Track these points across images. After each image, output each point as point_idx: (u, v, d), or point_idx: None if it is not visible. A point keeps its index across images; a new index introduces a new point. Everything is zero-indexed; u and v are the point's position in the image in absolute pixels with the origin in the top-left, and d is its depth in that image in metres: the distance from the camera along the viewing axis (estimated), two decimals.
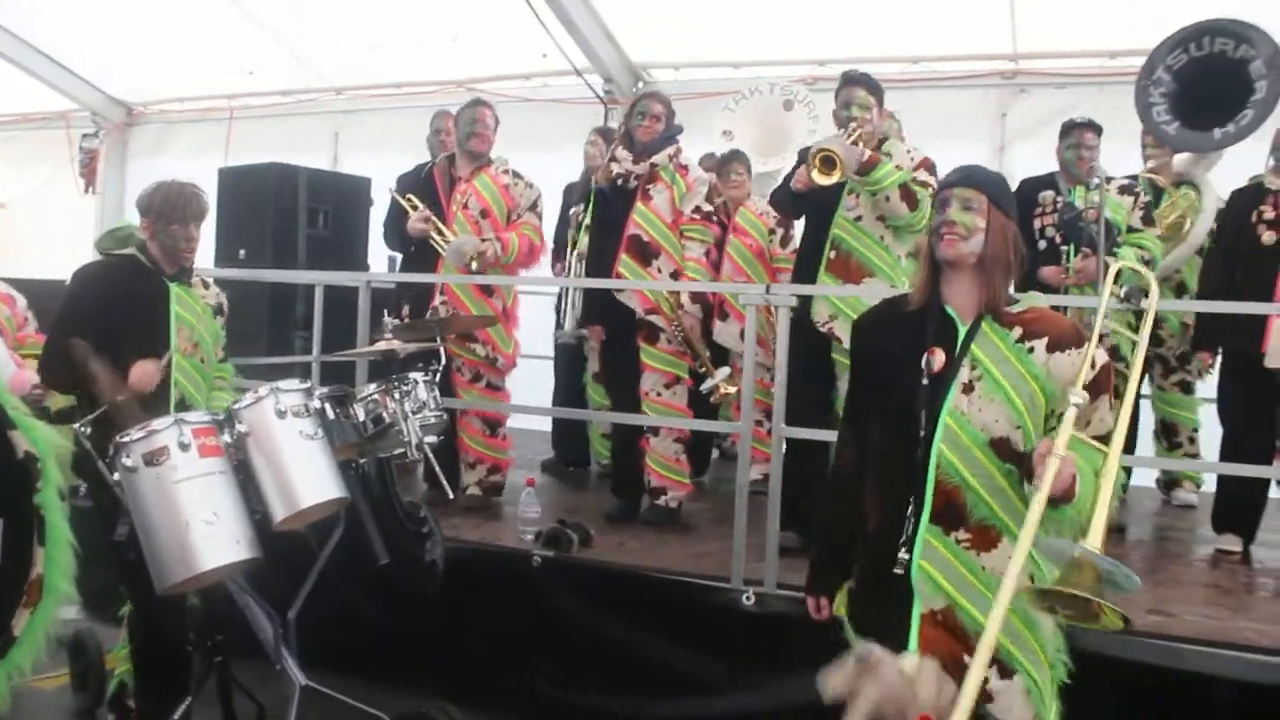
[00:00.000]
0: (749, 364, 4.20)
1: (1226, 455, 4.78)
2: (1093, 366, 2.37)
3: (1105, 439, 2.34)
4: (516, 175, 5.35)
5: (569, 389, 6.42)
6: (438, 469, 3.66)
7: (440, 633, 4.27)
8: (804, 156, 4.53)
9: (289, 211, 6.62)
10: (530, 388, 5.94)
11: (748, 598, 4.02)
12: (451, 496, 4.11)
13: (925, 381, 2.41)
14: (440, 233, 5.19)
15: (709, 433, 6.27)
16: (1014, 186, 4.76)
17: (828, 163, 4.23)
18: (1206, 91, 4.57)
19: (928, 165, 4.45)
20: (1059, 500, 2.20)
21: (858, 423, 2.64)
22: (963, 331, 2.44)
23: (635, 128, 5.18)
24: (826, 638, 3.84)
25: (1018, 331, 2.42)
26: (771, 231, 5.82)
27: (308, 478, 3.18)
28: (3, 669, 2.67)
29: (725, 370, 5.28)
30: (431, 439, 3.64)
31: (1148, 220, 5.06)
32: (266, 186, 6.68)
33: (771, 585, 4.01)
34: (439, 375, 3.86)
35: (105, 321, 3.38)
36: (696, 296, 5.15)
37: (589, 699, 4.15)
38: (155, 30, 8.99)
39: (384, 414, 3.53)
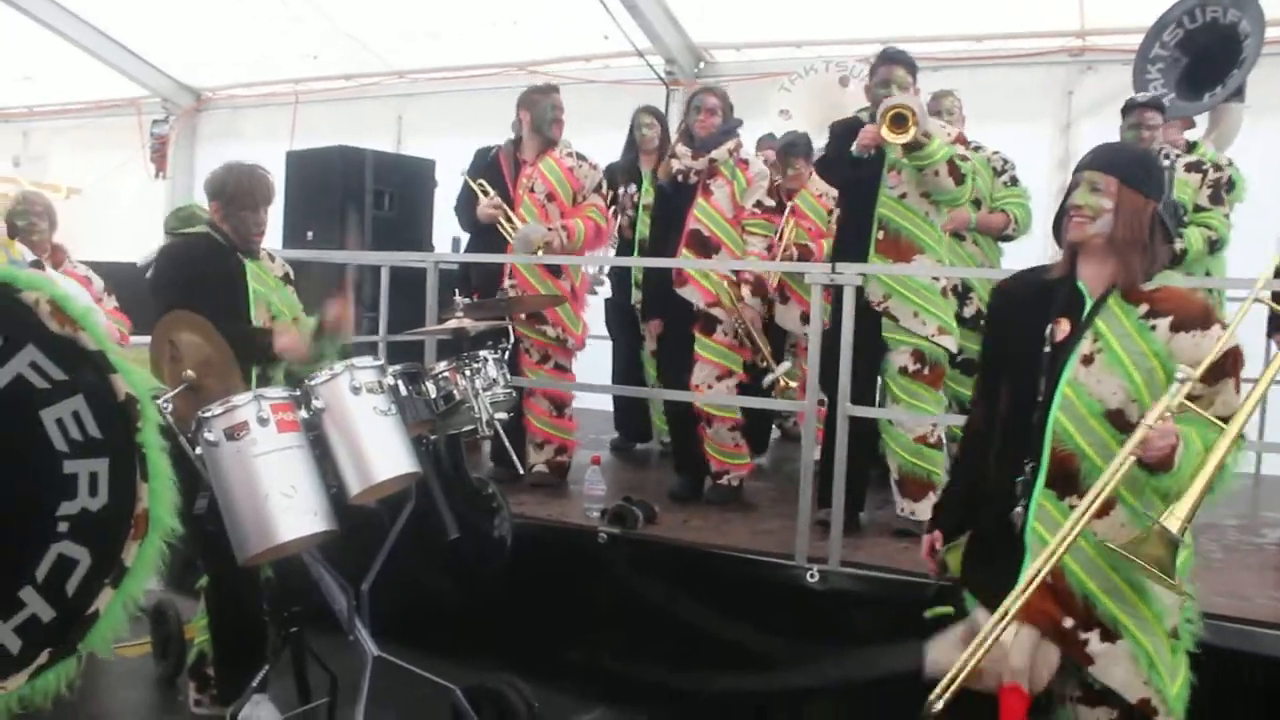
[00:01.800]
0: (815, 343, 4.20)
1: None
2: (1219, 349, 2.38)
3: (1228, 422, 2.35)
4: (580, 157, 5.39)
5: (628, 365, 6.46)
6: (508, 444, 3.71)
7: (508, 607, 4.33)
8: (840, 128, 4.54)
9: (355, 193, 6.72)
10: (591, 367, 5.97)
11: (812, 575, 4.04)
12: (521, 472, 4.17)
13: (1047, 350, 2.47)
14: (509, 219, 5.25)
15: (769, 412, 6.29)
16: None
17: (899, 120, 4.16)
18: (1205, 60, 4.58)
19: (961, 140, 4.46)
20: (1156, 468, 2.27)
21: (988, 383, 2.71)
22: (1089, 305, 2.48)
23: (693, 122, 5.19)
24: (889, 615, 3.90)
25: (1144, 308, 2.44)
26: (830, 213, 5.81)
27: (382, 452, 3.25)
28: (119, 597, 2.81)
29: (786, 364, 5.28)
30: (501, 416, 3.69)
31: (1216, 199, 4.97)
32: (333, 169, 6.79)
33: (835, 562, 4.04)
34: (507, 354, 3.91)
35: (194, 297, 3.48)
36: (756, 290, 5.15)
37: (653, 673, 4.18)
38: (222, 17, 9.14)
39: (455, 391, 3.59)
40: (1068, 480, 2.43)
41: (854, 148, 4.39)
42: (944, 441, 4.65)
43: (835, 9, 7.49)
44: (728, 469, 5.15)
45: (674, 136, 5.49)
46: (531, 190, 5.28)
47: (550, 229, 5.20)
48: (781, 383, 5.19)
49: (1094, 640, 2.39)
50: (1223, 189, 5.06)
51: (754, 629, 4.10)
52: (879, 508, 4.73)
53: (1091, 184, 2.47)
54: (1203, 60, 4.76)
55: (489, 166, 5.45)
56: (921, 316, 4.41)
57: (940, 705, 2.26)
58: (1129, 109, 5.09)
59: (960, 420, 5.52)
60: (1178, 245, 4.74)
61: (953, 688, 2.27)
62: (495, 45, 8.76)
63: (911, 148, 4.26)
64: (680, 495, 5.12)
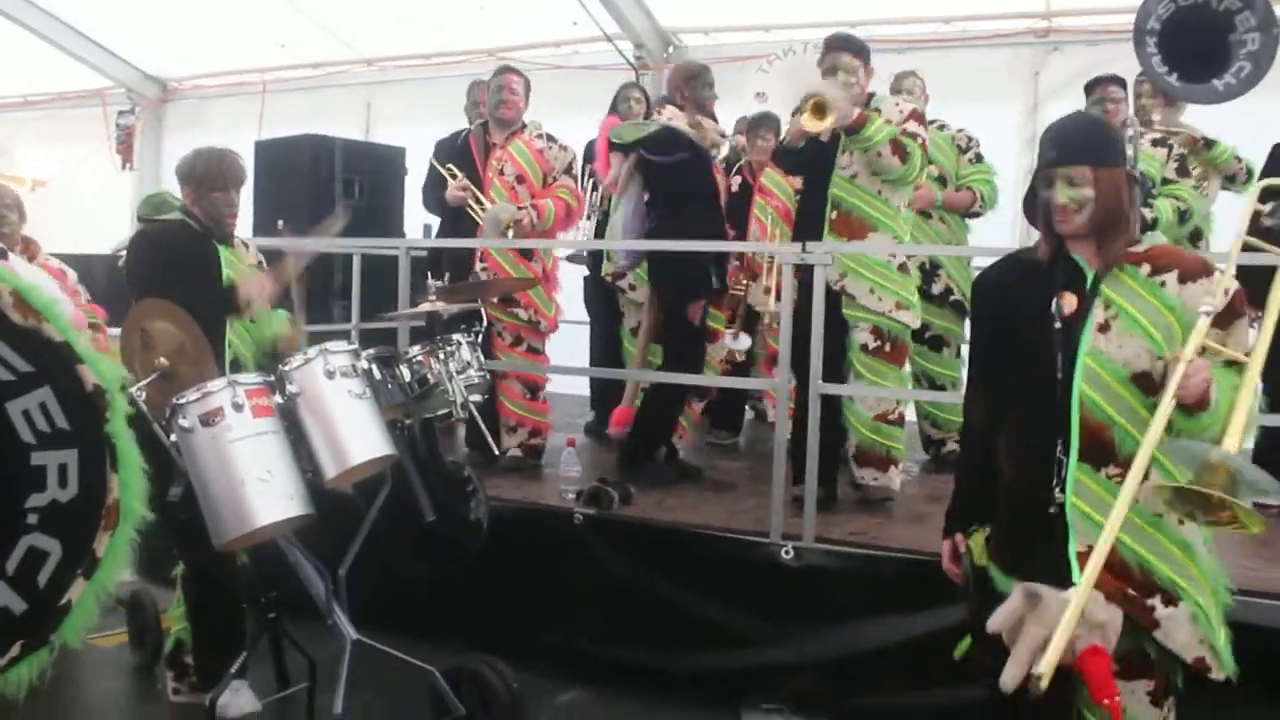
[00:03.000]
0: (786, 323, 4.23)
1: (1272, 410, 4.74)
2: (1225, 294, 2.39)
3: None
4: (550, 139, 5.41)
5: (606, 344, 6.47)
6: (483, 426, 3.72)
7: (486, 590, 4.35)
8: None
9: (325, 182, 6.70)
10: (567, 351, 5.99)
11: (786, 552, 4.07)
12: (497, 452, 4.18)
13: (1058, 326, 2.46)
14: (478, 201, 5.26)
15: (744, 392, 6.32)
16: None
17: (819, 109, 4.25)
18: (1191, 42, 4.55)
19: (916, 116, 4.49)
20: (1195, 408, 2.26)
21: (985, 382, 2.69)
22: (1090, 275, 2.49)
23: (708, 100, 5.24)
24: (865, 589, 3.95)
25: (1147, 268, 2.46)
26: (798, 192, 5.84)
27: (357, 436, 3.25)
28: (91, 588, 2.82)
29: (747, 341, 5.31)
30: (476, 398, 3.70)
31: (1182, 172, 5.06)
32: (302, 158, 6.76)
33: (810, 539, 4.07)
34: (480, 337, 3.92)
35: (169, 282, 3.48)
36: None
37: (630, 653, 4.23)
38: (188, 6, 9.07)
39: (429, 375, 3.58)
40: (1102, 451, 2.42)
41: (784, 138, 4.49)
42: (904, 418, 4.72)
43: None
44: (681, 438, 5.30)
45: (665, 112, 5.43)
46: (501, 173, 5.29)
47: (520, 208, 5.21)
48: (732, 353, 5.24)
49: (1159, 605, 2.39)
50: (1240, 180, 5.17)
51: (730, 607, 4.13)
52: (851, 483, 4.77)
53: (1068, 179, 2.46)
54: (1188, 42, 4.68)
55: (459, 149, 5.45)
56: (878, 293, 4.48)
57: (1045, 682, 2.16)
58: (1093, 85, 5.16)
59: (929, 396, 5.62)
60: (1148, 215, 4.80)
61: (1051, 662, 2.16)
62: (464, 32, 8.73)
63: (850, 130, 4.33)
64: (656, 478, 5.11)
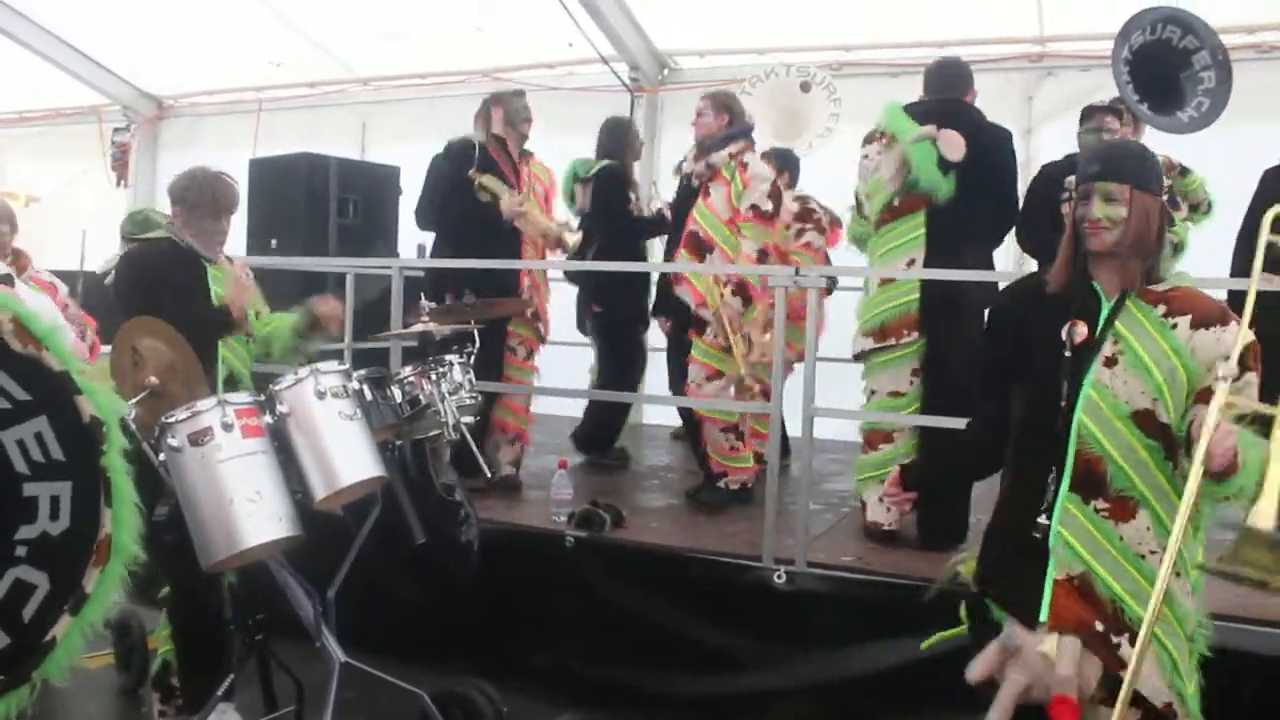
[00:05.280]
0: (779, 345, 4.23)
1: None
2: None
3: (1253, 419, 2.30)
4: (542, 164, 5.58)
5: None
6: (475, 449, 3.70)
7: (476, 612, 4.33)
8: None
9: (320, 201, 6.71)
10: (561, 372, 5.98)
11: (779, 576, 4.06)
12: (490, 476, 4.16)
13: (1068, 354, 2.45)
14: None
15: None
16: (1036, 171, 4.81)
17: None
18: (1156, 73, 4.62)
19: None
20: (1222, 475, 2.20)
21: (998, 398, 2.68)
22: (1106, 306, 2.48)
23: (693, 126, 5.29)
24: (857, 615, 3.93)
25: (1162, 309, 2.45)
26: (787, 226, 5.83)
27: (347, 457, 3.23)
28: (77, 625, 2.76)
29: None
30: (468, 420, 3.68)
31: (1172, 204, 5.07)
32: (297, 177, 6.77)
33: (802, 563, 4.06)
34: (473, 357, 3.90)
35: (156, 301, 3.47)
36: (737, 290, 4.99)
37: (621, 676, 4.22)
38: (184, 24, 9.07)
39: (420, 396, 3.57)
40: (1093, 484, 2.42)
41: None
42: None
43: (798, 16, 7.53)
44: (725, 470, 5.10)
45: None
46: (533, 189, 5.40)
47: (560, 223, 5.41)
48: (746, 383, 5.19)
49: (1125, 645, 2.37)
50: (1201, 210, 5.20)
51: (722, 631, 4.12)
52: (844, 509, 4.76)
53: (1106, 194, 2.44)
54: (1150, 74, 4.76)
55: (485, 164, 5.33)
56: None
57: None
58: (1089, 113, 5.16)
59: (912, 421, 5.58)
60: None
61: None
62: (460, 52, 8.74)
63: None
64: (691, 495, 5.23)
